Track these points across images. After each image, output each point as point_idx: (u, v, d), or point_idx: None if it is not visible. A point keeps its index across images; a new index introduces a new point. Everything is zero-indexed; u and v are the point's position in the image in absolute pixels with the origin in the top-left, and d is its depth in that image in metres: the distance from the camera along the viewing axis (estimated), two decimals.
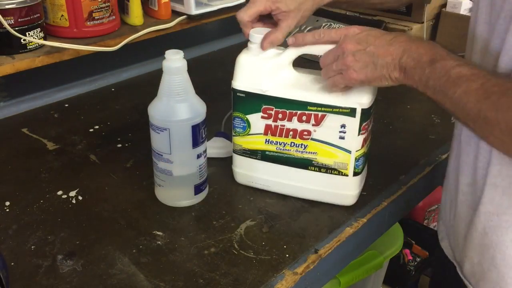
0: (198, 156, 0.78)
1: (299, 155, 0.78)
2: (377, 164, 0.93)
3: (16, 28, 0.96)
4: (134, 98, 1.16)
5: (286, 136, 0.77)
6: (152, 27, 1.17)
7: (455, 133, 0.75)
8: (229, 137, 0.96)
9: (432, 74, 0.62)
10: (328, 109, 0.74)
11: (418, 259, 1.60)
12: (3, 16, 0.94)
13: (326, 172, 0.78)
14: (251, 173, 0.84)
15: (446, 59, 0.61)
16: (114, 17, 1.12)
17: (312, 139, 0.76)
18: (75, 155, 0.95)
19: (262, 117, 0.78)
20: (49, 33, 1.06)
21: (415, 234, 1.58)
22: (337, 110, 0.73)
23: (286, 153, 0.79)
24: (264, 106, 0.77)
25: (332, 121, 0.74)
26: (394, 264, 1.49)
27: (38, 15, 1.00)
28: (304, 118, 0.75)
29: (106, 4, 1.08)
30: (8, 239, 0.74)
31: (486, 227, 0.67)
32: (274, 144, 0.79)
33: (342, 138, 0.74)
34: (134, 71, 1.27)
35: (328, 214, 0.80)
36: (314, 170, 0.78)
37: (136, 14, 1.17)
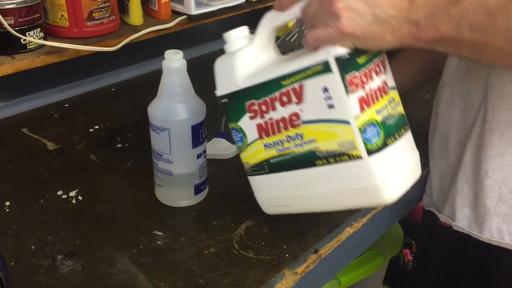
0: (198, 156, 0.78)
1: (301, 149, 0.63)
2: None
3: (16, 28, 0.96)
4: (134, 98, 1.16)
5: (279, 131, 0.64)
6: (152, 27, 1.17)
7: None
8: (229, 138, 0.96)
9: (463, 14, 0.52)
10: (301, 75, 0.59)
11: (414, 260, 1.60)
12: (3, 16, 0.93)
13: (336, 161, 0.61)
14: (271, 193, 0.70)
15: None
16: (114, 17, 1.12)
17: (303, 122, 0.62)
18: (75, 155, 0.95)
19: (250, 117, 0.67)
20: (49, 33, 1.06)
21: (415, 234, 1.58)
22: (310, 71, 0.58)
23: (288, 153, 0.65)
24: (246, 103, 0.66)
25: (312, 89, 0.59)
26: (394, 264, 1.49)
27: (38, 15, 1.00)
28: (284, 98, 0.62)
29: (106, 4, 1.08)
30: (8, 239, 0.74)
31: (488, 169, 0.71)
32: (273, 146, 0.66)
33: (331, 106, 0.58)
34: (134, 71, 1.27)
35: (328, 214, 0.80)
36: (324, 164, 0.62)
37: (136, 14, 1.17)
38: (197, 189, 0.81)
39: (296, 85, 0.60)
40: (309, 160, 0.63)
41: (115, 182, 0.87)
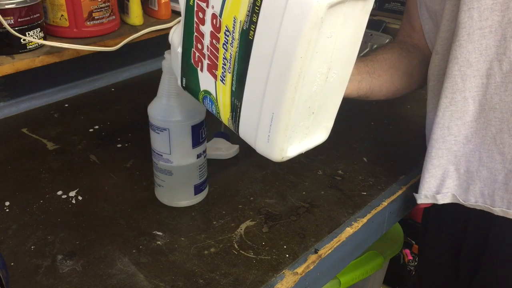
0: (198, 156, 0.78)
1: (236, 43, 0.59)
2: (377, 164, 0.93)
3: (16, 28, 0.96)
4: (134, 98, 1.16)
5: (217, 50, 0.61)
6: (152, 27, 1.17)
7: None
8: (229, 138, 0.96)
9: None
10: None
11: (418, 259, 1.60)
12: (3, 16, 0.94)
13: (256, 13, 0.55)
14: (258, 127, 0.61)
15: None
16: (114, 17, 1.12)
17: (219, 15, 0.59)
18: (75, 155, 0.95)
19: (200, 69, 0.65)
20: (49, 33, 1.06)
21: (415, 234, 1.58)
22: None
23: (234, 62, 0.60)
24: (191, 61, 0.66)
25: None
26: (394, 264, 1.49)
27: (38, 15, 1.00)
28: (200, 14, 0.61)
29: (106, 4, 1.08)
30: (8, 239, 0.74)
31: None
32: (224, 71, 0.62)
33: None
34: (134, 71, 1.27)
35: (328, 214, 0.80)
36: (253, 30, 0.56)
37: (136, 14, 1.17)
38: (197, 189, 0.81)
39: None
40: (246, 45, 0.58)
41: (115, 182, 0.87)
